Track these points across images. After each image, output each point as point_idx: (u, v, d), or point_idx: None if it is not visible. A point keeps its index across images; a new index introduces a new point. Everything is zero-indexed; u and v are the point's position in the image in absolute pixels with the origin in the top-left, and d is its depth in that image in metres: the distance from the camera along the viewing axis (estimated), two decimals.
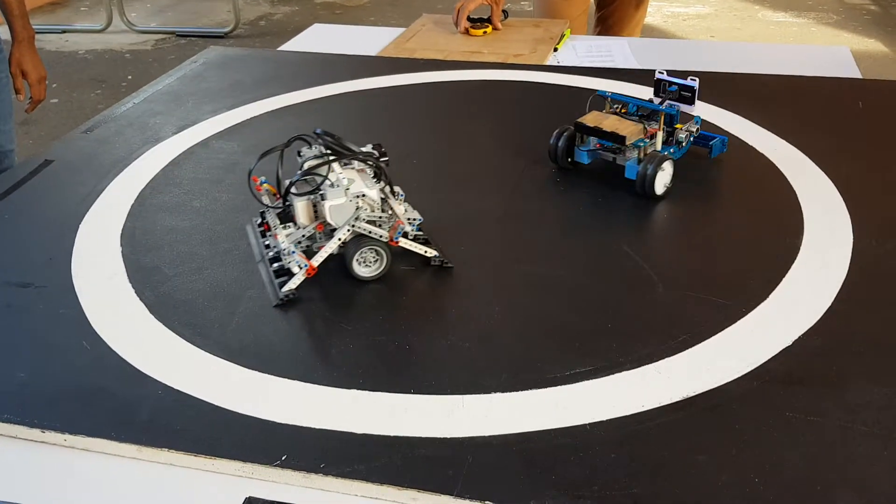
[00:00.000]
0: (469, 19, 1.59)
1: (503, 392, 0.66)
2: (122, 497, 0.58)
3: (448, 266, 0.82)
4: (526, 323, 0.75)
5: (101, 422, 0.63)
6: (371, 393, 0.66)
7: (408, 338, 0.72)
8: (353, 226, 0.79)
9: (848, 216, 0.89)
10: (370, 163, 0.82)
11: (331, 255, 0.79)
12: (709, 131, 1.03)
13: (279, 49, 1.58)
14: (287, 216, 0.83)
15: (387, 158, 0.84)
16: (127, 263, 0.84)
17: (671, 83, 1.00)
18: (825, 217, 0.89)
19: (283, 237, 0.80)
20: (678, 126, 0.99)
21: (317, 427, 0.63)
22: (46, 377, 0.68)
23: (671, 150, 0.97)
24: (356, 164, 0.82)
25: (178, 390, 0.67)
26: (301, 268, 0.77)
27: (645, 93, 1.24)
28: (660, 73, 1.01)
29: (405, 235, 0.81)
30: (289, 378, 0.68)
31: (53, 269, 0.83)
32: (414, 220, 0.81)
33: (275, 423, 0.63)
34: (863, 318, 0.73)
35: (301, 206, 0.80)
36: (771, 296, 0.76)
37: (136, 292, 0.80)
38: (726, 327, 0.72)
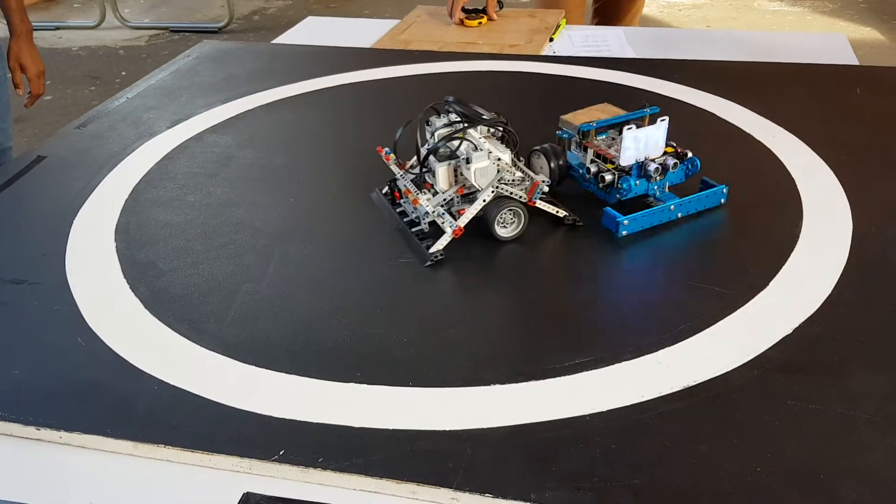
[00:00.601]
0: (464, 10, 1.58)
1: (502, 384, 0.65)
2: (119, 494, 0.58)
3: (579, 224, 0.86)
4: (525, 314, 0.74)
5: (96, 418, 0.63)
6: (369, 386, 0.65)
7: (406, 330, 0.72)
8: (497, 187, 0.83)
9: (847, 203, 0.88)
10: (500, 128, 0.86)
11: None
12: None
13: (273, 42, 1.57)
14: (419, 183, 0.87)
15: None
16: (121, 259, 0.84)
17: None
18: (824, 204, 0.88)
19: (426, 201, 0.84)
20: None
21: (314, 421, 0.62)
22: (41, 374, 0.68)
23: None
24: (482, 130, 0.86)
25: (174, 386, 0.66)
26: (450, 228, 0.81)
27: (642, 82, 1.23)
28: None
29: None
30: (286, 372, 0.67)
31: (48, 266, 0.83)
32: (544, 181, 0.84)
33: (272, 418, 0.63)
34: (863, 306, 0.73)
35: (442, 171, 0.84)
36: (771, 284, 0.76)
37: (130, 288, 0.79)
38: (726, 316, 0.72)
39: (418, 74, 1.30)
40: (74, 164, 1.04)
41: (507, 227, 0.84)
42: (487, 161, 0.82)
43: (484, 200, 0.83)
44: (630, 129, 0.83)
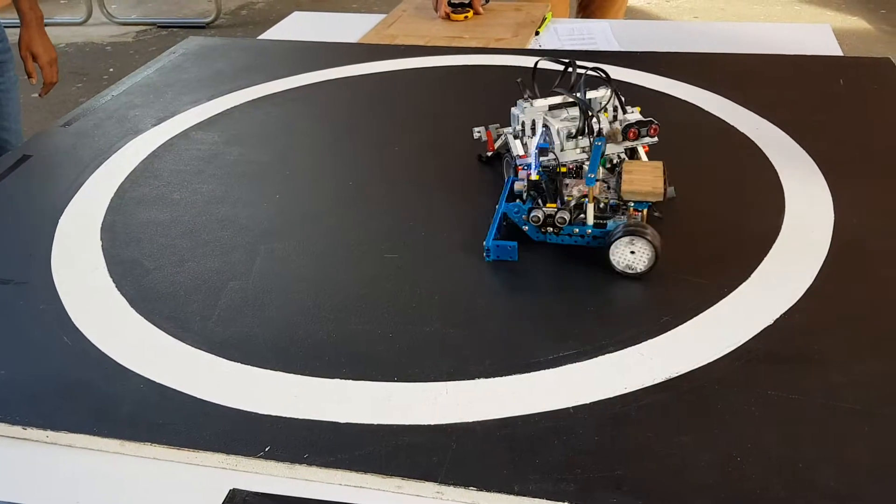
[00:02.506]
0: (450, 4, 1.58)
1: (486, 378, 0.66)
2: (106, 492, 0.58)
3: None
4: (508, 308, 0.74)
5: (83, 417, 0.63)
6: (354, 382, 0.66)
7: (390, 325, 0.72)
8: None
9: (829, 194, 0.89)
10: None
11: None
12: None
13: (259, 38, 1.57)
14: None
15: None
16: (107, 257, 0.84)
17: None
18: (807, 195, 0.89)
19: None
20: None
21: (300, 417, 0.62)
22: (27, 373, 0.68)
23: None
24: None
25: (160, 384, 0.66)
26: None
27: (627, 75, 1.24)
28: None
29: None
30: (271, 369, 0.68)
31: (33, 265, 0.83)
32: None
33: (258, 415, 0.63)
34: (844, 296, 0.73)
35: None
36: (753, 275, 0.76)
37: (116, 286, 0.79)
38: (708, 307, 0.72)
39: (404, 69, 1.30)
40: (60, 162, 1.04)
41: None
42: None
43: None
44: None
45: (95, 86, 3.24)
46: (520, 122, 0.89)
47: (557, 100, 0.88)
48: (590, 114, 0.84)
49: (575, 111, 0.86)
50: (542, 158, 0.82)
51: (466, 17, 1.58)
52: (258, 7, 4.29)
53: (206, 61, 1.37)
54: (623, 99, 0.87)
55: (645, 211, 0.79)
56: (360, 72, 1.29)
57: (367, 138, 1.09)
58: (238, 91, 1.23)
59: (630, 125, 0.86)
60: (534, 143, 0.84)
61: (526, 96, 0.89)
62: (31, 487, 0.59)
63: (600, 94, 0.87)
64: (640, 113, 0.88)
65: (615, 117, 0.87)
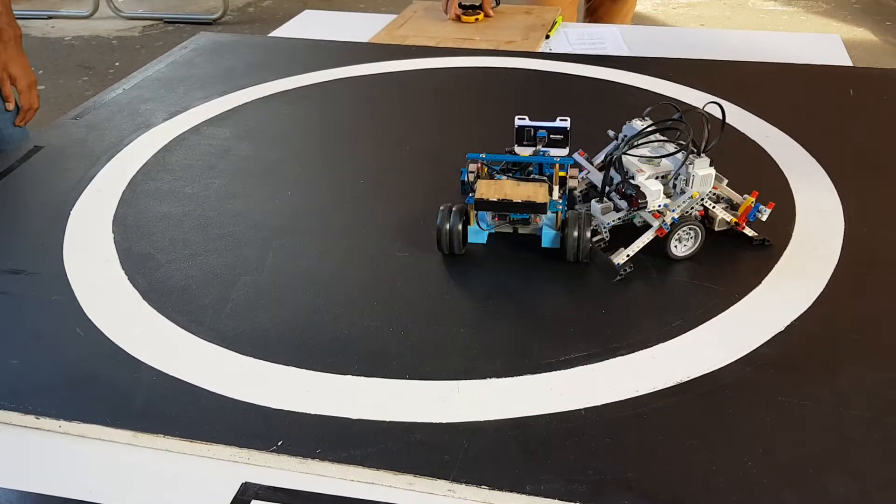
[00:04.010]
0: (461, 6, 1.59)
1: (498, 377, 0.66)
2: (118, 483, 0.58)
3: (769, 244, 0.82)
4: (519, 309, 0.75)
5: (95, 408, 0.63)
6: (366, 378, 0.66)
7: (402, 323, 0.72)
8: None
9: (839, 203, 0.89)
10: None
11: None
12: None
13: (270, 35, 1.57)
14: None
15: None
16: (119, 250, 0.84)
17: (539, 128, 0.84)
18: (817, 203, 0.89)
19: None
20: (565, 174, 0.83)
21: (312, 413, 0.63)
22: (40, 364, 0.68)
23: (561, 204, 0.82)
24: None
25: (172, 376, 0.67)
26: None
27: (637, 80, 1.24)
28: (520, 118, 0.85)
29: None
30: (283, 364, 0.68)
31: (45, 256, 0.83)
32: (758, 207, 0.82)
33: (270, 409, 0.63)
34: (854, 304, 0.74)
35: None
36: (764, 281, 0.77)
37: (128, 279, 0.79)
38: (720, 313, 0.73)
39: (415, 70, 1.30)
40: (71, 154, 1.04)
41: (685, 245, 0.81)
42: (709, 168, 0.79)
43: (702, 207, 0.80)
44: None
45: (101, 79, 3.24)
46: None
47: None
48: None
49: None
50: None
51: (477, 19, 1.58)
52: (265, 5, 4.29)
53: (217, 57, 1.37)
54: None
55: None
56: (371, 71, 1.29)
57: (378, 137, 1.09)
58: (249, 87, 1.23)
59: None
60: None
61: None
62: (43, 477, 0.59)
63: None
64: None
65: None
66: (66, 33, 3.81)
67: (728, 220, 0.82)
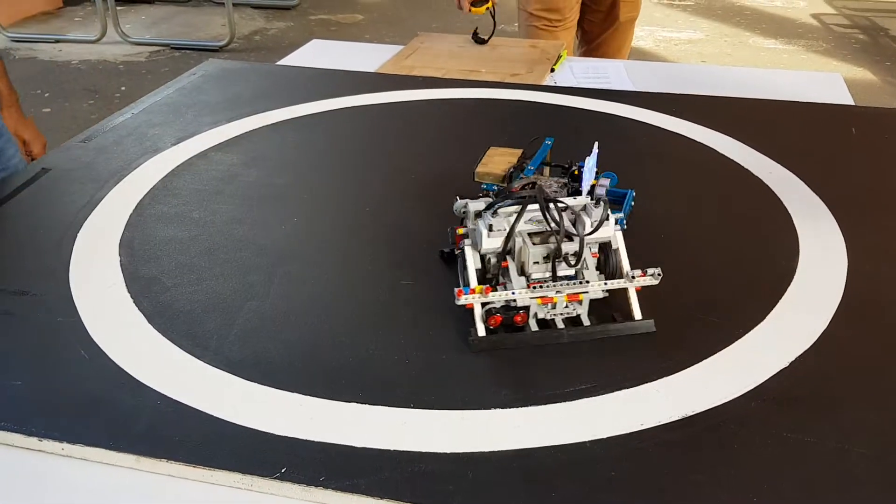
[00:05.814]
0: None
1: (503, 408, 0.66)
2: None
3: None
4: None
5: (99, 431, 0.63)
6: (371, 406, 0.66)
7: (407, 352, 0.72)
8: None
9: (842, 239, 0.90)
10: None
11: None
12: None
13: (278, 63, 1.58)
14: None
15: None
16: (125, 273, 0.84)
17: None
18: (820, 240, 0.90)
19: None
20: None
21: (316, 440, 0.63)
22: (44, 386, 0.68)
23: None
24: None
25: (176, 401, 0.67)
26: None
27: (642, 115, 1.25)
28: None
29: None
30: (288, 390, 0.68)
31: (51, 278, 0.83)
32: None
33: (274, 436, 0.63)
34: (858, 341, 0.74)
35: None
36: (768, 317, 0.77)
37: (134, 302, 0.79)
38: (724, 348, 0.73)
39: (422, 100, 1.32)
40: (79, 177, 1.05)
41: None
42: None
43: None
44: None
45: (107, 103, 3.27)
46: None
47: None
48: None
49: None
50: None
51: (488, 8, 1.61)
52: (271, 33, 4.33)
53: (225, 84, 1.38)
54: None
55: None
56: (379, 100, 1.31)
57: (384, 165, 1.10)
58: (257, 114, 1.24)
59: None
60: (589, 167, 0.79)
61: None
62: (45, 500, 0.59)
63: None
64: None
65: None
66: (73, 57, 3.84)
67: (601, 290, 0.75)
